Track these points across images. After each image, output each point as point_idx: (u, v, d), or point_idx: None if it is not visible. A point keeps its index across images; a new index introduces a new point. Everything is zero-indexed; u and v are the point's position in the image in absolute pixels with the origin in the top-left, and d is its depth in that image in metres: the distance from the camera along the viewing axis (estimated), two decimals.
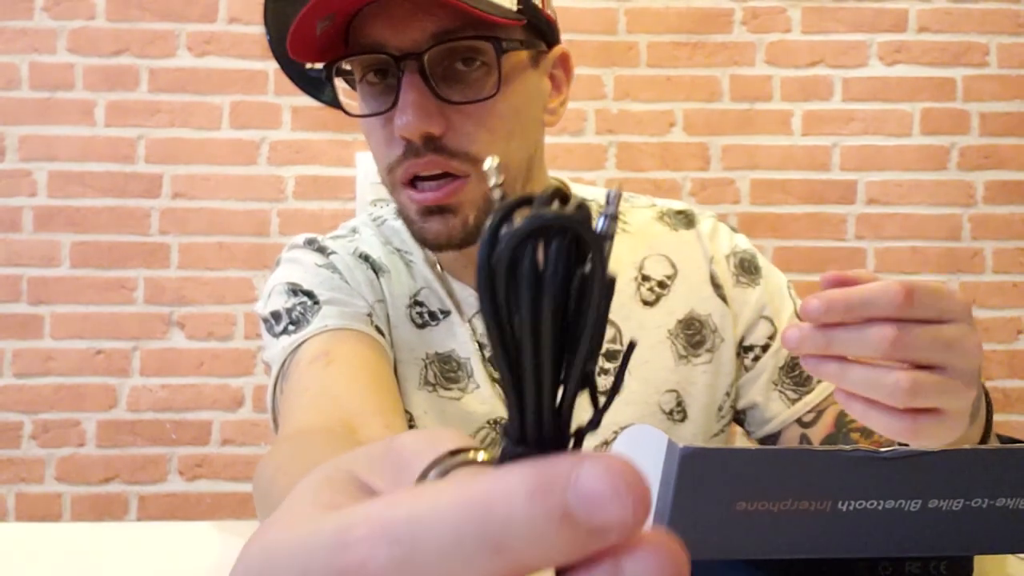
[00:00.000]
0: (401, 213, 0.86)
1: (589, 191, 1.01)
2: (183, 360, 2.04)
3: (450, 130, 0.78)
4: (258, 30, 2.06)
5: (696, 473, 0.42)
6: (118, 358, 2.04)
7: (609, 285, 0.21)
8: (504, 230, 0.21)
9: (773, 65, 2.13)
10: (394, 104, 0.78)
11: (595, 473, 0.19)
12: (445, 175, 0.79)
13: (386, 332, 0.89)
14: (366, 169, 2.04)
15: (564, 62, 0.91)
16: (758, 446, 0.95)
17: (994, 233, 2.13)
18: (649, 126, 2.12)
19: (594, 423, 0.23)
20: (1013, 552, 0.59)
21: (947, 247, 2.12)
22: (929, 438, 0.55)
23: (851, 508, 0.43)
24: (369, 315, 0.88)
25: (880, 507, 0.44)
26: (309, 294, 0.88)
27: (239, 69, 2.08)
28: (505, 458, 0.22)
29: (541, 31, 0.85)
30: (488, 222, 0.21)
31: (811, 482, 0.43)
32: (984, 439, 0.67)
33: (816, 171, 2.13)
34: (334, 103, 2.07)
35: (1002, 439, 0.71)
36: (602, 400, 0.23)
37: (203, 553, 0.78)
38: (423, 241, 0.85)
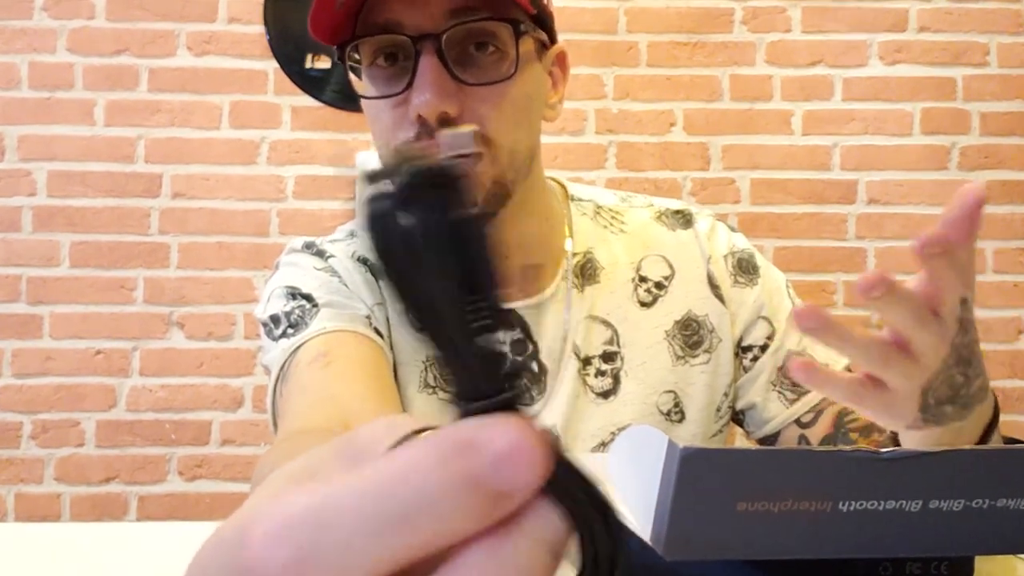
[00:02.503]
0: None
1: (589, 191, 1.01)
2: (183, 360, 2.05)
3: (465, 112, 0.78)
4: (258, 30, 2.06)
5: (696, 474, 0.42)
6: (118, 358, 2.04)
7: (478, 218, 0.21)
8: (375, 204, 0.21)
9: (773, 65, 2.13)
10: (409, 85, 0.78)
11: (506, 435, 0.19)
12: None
13: (385, 335, 0.89)
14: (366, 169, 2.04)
15: (561, 61, 0.92)
16: (757, 446, 0.95)
17: (995, 233, 2.13)
18: (649, 126, 2.12)
19: (530, 359, 0.23)
20: (1014, 553, 0.59)
21: None
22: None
23: (852, 508, 0.43)
24: (368, 317, 0.88)
25: (881, 507, 0.44)
26: (308, 297, 0.88)
27: (239, 69, 2.08)
28: (458, 418, 0.22)
29: (545, 25, 0.86)
30: (361, 205, 0.21)
31: (812, 482, 0.43)
32: (986, 440, 0.67)
33: (816, 171, 2.13)
34: (333, 102, 2.08)
35: (1004, 440, 0.71)
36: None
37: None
38: None
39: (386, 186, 0.21)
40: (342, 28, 0.80)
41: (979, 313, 2.17)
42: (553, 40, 0.88)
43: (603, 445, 0.90)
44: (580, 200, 0.98)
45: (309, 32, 0.80)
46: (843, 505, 0.43)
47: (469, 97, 0.79)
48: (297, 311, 0.87)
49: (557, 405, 0.90)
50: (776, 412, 0.93)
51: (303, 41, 2.03)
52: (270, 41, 2.05)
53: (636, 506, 0.49)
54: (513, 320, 0.91)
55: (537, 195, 0.91)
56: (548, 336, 0.91)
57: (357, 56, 0.83)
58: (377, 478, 0.19)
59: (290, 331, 0.86)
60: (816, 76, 2.13)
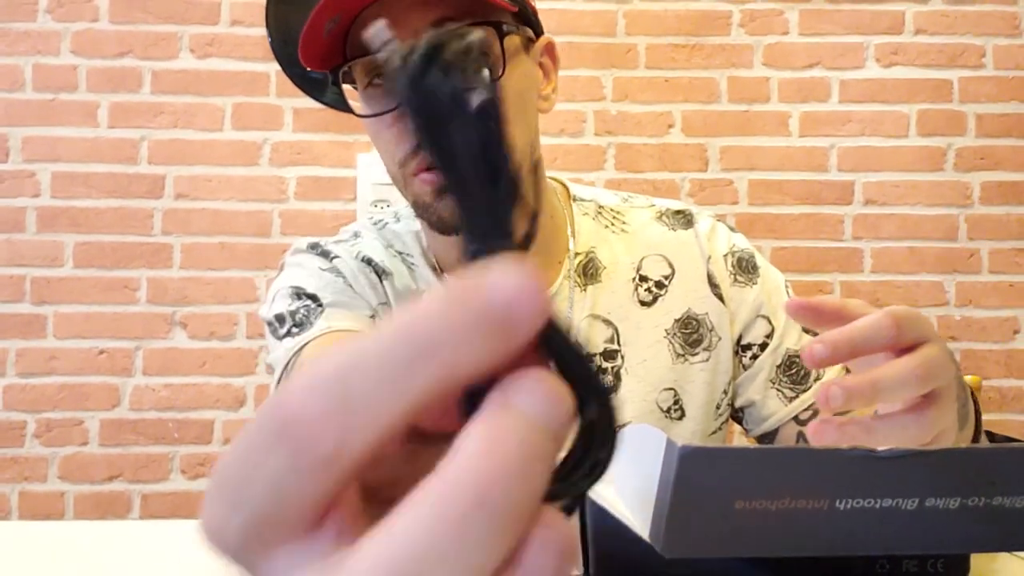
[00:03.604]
0: (415, 202, 0.86)
1: (590, 191, 1.02)
2: (185, 360, 2.05)
3: None
4: (260, 32, 2.06)
5: (695, 472, 0.42)
6: (121, 358, 2.04)
7: (491, 97, 0.22)
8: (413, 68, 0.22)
9: (771, 67, 2.14)
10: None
11: (506, 273, 0.20)
12: None
13: None
14: (367, 170, 2.04)
15: (550, 51, 0.92)
16: (756, 444, 0.96)
17: (990, 233, 2.14)
18: (648, 127, 2.12)
19: (535, 214, 0.24)
20: (1009, 550, 0.60)
21: (944, 247, 2.13)
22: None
23: (849, 506, 0.44)
24: (372, 318, 0.89)
25: (877, 505, 0.44)
26: (313, 297, 0.89)
27: (241, 71, 2.08)
28: (470, 259, 0.23)
29: (529, 20, 0.87)
30: (401, 66, 0.23)
31: (809, 481, 0.43)
32: (974, 440, 0.68)
33: (814, 172, 2.14)
34: (335, 104, 2.08)
35: (998, 438, 0.72)
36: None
37: (205, 552, 0.78)
38: (437, 222, 0.85)
39: (420, 56, 0.22)
40: (332, 54, 0.82)
41: (974, 313, 2.18)
42: (539, 33, 0.89)
43: None
44: (582, 200, 0.99)
45: (301, 63, 0.81)
46: (840, 503, 0.44)
47: None
48: (302, 311, 0.88)
49: None
50: (775, 410, 0.94)
51: None
52: (272, 43, 2.05)
53: (635, 504, 0.49)
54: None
55: (540, 194, 0.92)
56: None
57: (352, 76, 0.84)
58: (399, 323, 0.20)
59: (295, 330, 0.87)
60: (813, 78, 2.14)
